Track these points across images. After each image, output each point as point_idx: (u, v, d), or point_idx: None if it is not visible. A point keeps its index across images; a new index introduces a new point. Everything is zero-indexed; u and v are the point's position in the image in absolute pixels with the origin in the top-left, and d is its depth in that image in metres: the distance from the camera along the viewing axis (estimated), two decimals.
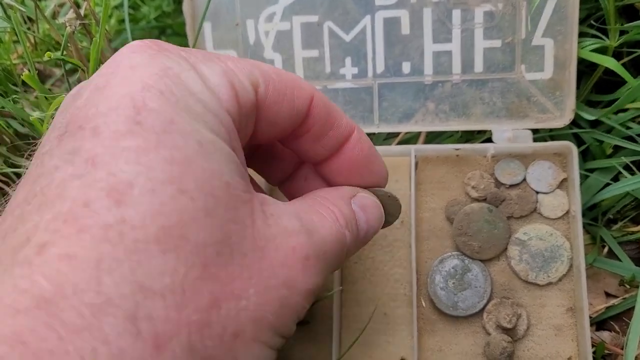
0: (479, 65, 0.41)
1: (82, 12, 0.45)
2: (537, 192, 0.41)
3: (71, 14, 0.42)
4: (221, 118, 0.22)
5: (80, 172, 0.19)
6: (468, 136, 0.45)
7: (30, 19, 0.51)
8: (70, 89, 0.40)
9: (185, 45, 0.47)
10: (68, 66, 0.46)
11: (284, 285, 0.21)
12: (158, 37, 0.54)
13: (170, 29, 0.55)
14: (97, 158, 0.19)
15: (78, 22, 0.41)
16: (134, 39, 0.50)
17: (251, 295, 0.20)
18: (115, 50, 0.52)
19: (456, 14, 0.41)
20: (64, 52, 0.45)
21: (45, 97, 0.36)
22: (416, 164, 0.42)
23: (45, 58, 0.32)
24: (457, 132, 0.45)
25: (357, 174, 0.30)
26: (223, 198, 0.20)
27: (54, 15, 0.56)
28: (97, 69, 0.34)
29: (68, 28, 0.31)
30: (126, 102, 0.20)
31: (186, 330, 0.18)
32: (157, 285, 0.18)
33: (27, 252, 0.18)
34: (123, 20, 0.49)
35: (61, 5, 0.57)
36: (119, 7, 0.54)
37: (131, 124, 0.19)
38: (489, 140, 0.42)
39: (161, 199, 0.19)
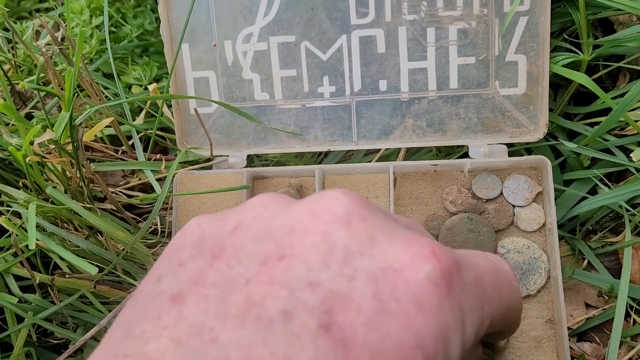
0: (454, 82, 0.42)
1: (60, 34, 0.45)
2: (514, 206, 0.41)
3: (48, 39, 0.42)
4: None
5: None
6: (447, 150, 0.46)
7: (9, 40, 0.51)
8: (47, 114, 0.40)
9: (165, 65, 0.47)
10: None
11: None
12: (140, 56, 0.54)
13: (153, 47, 0.55)
14: None
15: (55, 47, 0.41)
16: (115, 59, 0.50)
17: None
18: (96, 71, 0.52)
19: (430, 32, 0.42)
20: (42, 76, 0.45)
21: (25, 127, 0.36)
22: (395, 180, 0.42)
23: (20, 87, 0.32)
24: (435, 147, 0.46)
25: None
26: None
27: (37, 35, 0.56)
28: (72, 98, 0.35)
29: (41, 57, 0.31)
30: (395, 356, 0.20)
31: None
32: None
33: None
34: (104, 40, 0.50)
35: (43, 26, 0.57)
36: (100, 26, 0.54)
37: None
38: (467, 154, 0.43)
39: None
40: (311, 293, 0.20)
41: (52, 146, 0.38)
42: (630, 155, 0.37)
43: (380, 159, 0.46)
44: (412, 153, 0.46)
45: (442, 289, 0.21)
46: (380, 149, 0.45)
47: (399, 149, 0.45)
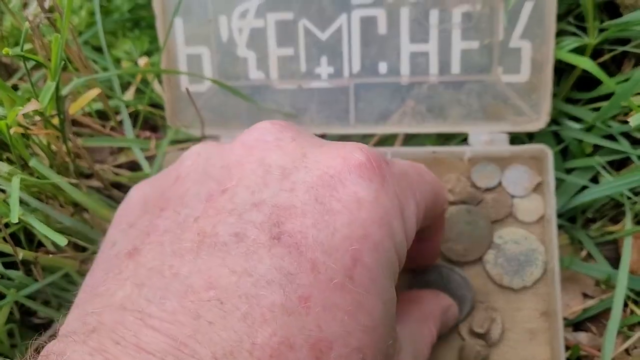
0: (456, 67, 0.41)
1: (47, 3, 0.43)
2: (513, 196, 0.40)
3: (35, 8, 0.40)
4: (401, 264, 0.24)
5: (292, 307, 0.20)
6: (446, 135, 0.45)
7: None
8: (32, 86, 0.38)
9: (156, 40, 0.46)
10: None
11: None
12: (131, 30, 0.53)
13: (145, 21, 0.53)
14: (311, 301, 0.20)
15: (43, 15, 0.39)
16: (105, 33, 0.49)
17: None
18: (85, 44, 0.50)
19: (434, 14, 0.40)
20: (30, 47, 0.43)
21: (10, 97, 0.35)
22: None
23: (4, 53, 0.30)
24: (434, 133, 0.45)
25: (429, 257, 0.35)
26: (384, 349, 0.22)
27: (25, 7, 0.54)
28: (59, 67, 0.33)
29: (27, 23, 0.30)
30: (346, 248, 0.21)
31: None
32: None
33: None
34: (94, 13, 0.48)
35: None
36: None
37: (345, 276, 0.21)
38: (467, 140, 0.42)
39: None
40: (257, 212, 0.22)
41: (37, 118, 0.37)
42: (630, 120, 0.36)
43: (377, 144, 0.45)
44: (409, 138, 0.45)
45: (376, 182, 0.23)
46: (377, 134, 0.44)
47: (397, 134, 0.44)
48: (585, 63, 0.39)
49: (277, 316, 0.19)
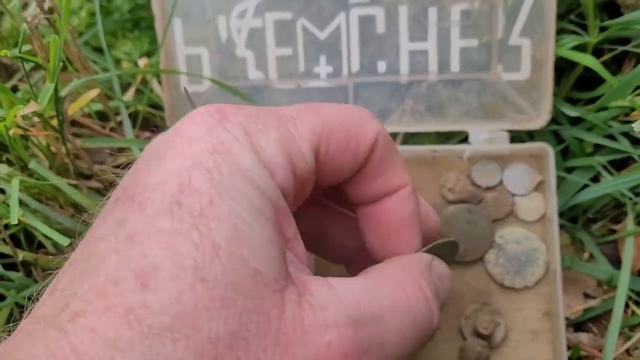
0: (455, 65, 0.41)
1: (47, 4, 0.43)
2: (514, 195, 0.40)
3: (35, 9, 0.40)
4: (269, 194, 0.22)
5: (120, 247, 0.20)
6: (446, 134, 0.44)
7: None
8: (31, 87, 0.38)
9: (156, 41, 0.46)
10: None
11: None
12: (131, 31, 0.53)
13: (144, 21, 0.53)
14: (136, 236, 0.19)
15: (42, 16, 0.39)
16: (105, 34, 0.49)
17: None
18: (85, 45, 0.50)
19: (432, 12, 0.40)
20: (29, 48, 0.43)
21: (9, 98, 0.35)
22: None
23: (2, 55, 0.30)
24: (434, 132, 0.44)
25: (408, 231, 0.27)
26: (246, 287, 0.20)
27: (25, 8, 0.54)
28: (57, 68, 0.33)
29: (25, 25, 0.30)
30: (173, 179, 0.20)
31: None
32: None
33: (64, 317, 0.19)
34: (95, 13, 0.48)
35: None
36: None
37: (172, 204, 0.20)
38: (467, 138, 0.41)
39: (181, 286, 0.19)
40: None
41: (36, 119, 0.37)
42: (633, 126, 0.36)
43: None
44: (409, 136, 0.45)
45: (210, 122, 0.22)
46: None
47: (397, 133, 0.44)
48: (587, 60, 0.39)
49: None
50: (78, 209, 0.40)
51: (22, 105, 0.34)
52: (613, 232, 0.42)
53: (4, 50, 0.30)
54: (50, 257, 0.39)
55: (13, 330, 0.20)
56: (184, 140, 0.22)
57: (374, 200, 0.27)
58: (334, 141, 0.24)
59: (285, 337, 0.20)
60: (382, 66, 0.41)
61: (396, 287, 0.24)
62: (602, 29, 0.40)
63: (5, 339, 0.20)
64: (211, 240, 0.20)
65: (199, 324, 0.19)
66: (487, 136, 0.41)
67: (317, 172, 0.24)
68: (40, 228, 0.34)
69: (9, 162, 0.40)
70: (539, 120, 0.40)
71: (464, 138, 0.43)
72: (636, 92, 0.39)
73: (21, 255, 0.38)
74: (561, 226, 0.42)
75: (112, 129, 0.46)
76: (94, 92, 0.37)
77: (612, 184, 0.39)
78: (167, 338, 0.18)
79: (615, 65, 0.44)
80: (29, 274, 0.41)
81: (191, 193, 0.20)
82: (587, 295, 0.42)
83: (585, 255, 0.42)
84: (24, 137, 0.37)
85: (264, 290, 0.20)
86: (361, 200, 0.27)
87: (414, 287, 0.24)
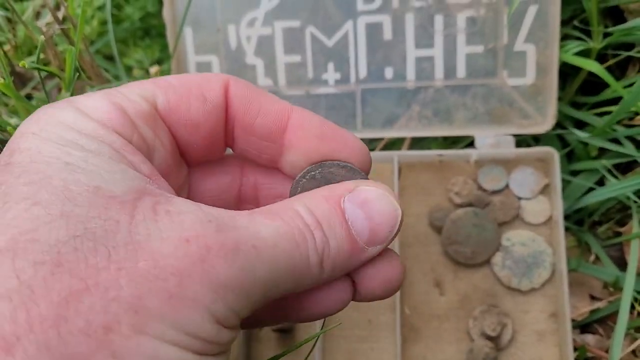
0: (461, 71, 0.41)
1: (61, 14, 0.44)
2: (520, 198, 0.41)
3: (49, 18, 0.41)
4: (100, 135, 0.24)
5: None
6: (452, 138, 0.45)
7: (10, 20, 0.50)
8: (47, 95, 0.39)
9: (167, 48, 0.46)
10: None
11: (173, 275, 0.21)
12: (142, 39, 0.54)
13: (155, 29, 0.54)
14: None
15: (57, 26, 0.40)
16: (116, 42, 0.50)
17: (123, 285, 0.20)
18: (97, 53, 0.51)
19: (438, 20, 0.41)
20: (42, 57, 0.44)
21: (24, 106, 0.35)
22: (399, 170, 0.41)
23: (20, 65, 0.31)
24: (441, 137, 0.45)
25: (316, 156, 0.27)
26: (86, 201, 0.21)
27: (37, 16, 0.55)
28: (73, 78, 0.34)
29: (42, 37, 0.31)
30: (7, 148, 0.23)
31: (39, 328, 0.19)
32: (2, 289, 0.19)
33: None
34: (106, 22, 0.49)
35: (44, 6, 0.56)
36: (101, 7, 0.53)
37: (3, 164, 0.22)
38: (473, 143, 0.42)
39: (14, 214, 0.20)
40: None
41: None
42: (634, 124, 0.36)
43: (384, 148, 0.45)
44: (416, 142, 0.45)
45: None
46: (383, 138, 0.44)
47: (404, 138, 0.44)
48: (591, 65, 0.39)
49: None
50: None
51: None
52: (618, 234, 0.42)
53: (22, 61, 0.31)
54: None
55: None
56: (30, 119, 0.24)
57: (281, 137, 0.27)
58: (171, 92, 0.26)
59: (138, 236, 0.21)
60: (389, 72, 0.42)
61: (268, 212, 0.24)
62: (606, 35, 0.40)
63: None
64: (42, 174, 0.21)
65: (36, 237, 0.20)
66: (493, 141, 0.41)
67: (171, 121, 0.26)
68: None
69: None
70: (545, 124, 0.41)
71: (470, 142, 0.44)
72: None
73: None
74: (567, 229, 0.42)
75: None
76: None
77: (617, 187, 0.40)
78: (5, 258, 0.19)
79: (619, 70, 0.44)
80: None
81: (20, 152, 0.22)
82: (593, 297, 0.42)
83: (591, 258, 0.43)
84: None
85: (109, 202, 0.21)
86: (269, 151, 0.27)
87: (288, 213, 0.24)
